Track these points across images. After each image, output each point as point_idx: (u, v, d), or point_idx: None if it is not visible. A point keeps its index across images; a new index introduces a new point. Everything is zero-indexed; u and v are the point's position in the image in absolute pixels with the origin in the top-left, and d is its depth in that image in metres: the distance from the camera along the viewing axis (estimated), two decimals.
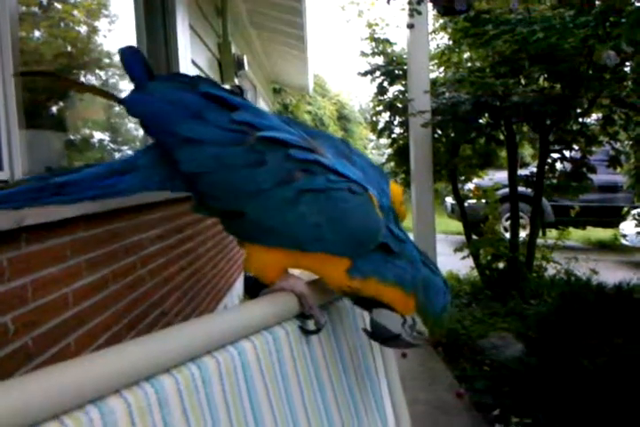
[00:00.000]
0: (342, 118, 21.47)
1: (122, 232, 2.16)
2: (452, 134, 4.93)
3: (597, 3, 3.64)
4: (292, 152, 0.86)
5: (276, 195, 0.85)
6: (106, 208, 1.95)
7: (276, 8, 5.98)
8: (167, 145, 0.85)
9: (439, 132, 5.16)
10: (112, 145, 3.22)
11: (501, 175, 5.76)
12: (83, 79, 2.84)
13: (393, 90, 5.68)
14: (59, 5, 2.59)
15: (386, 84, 5.61)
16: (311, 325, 0.91)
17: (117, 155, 3.18)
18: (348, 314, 1.05)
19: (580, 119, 4.53)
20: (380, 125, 5.84)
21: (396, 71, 5.51)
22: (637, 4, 2.94)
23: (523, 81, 4.06)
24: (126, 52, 0.87)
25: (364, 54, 5.79)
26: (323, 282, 0.94)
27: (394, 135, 5.75)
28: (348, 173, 0.88)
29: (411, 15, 3.84)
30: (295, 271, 0.95)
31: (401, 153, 5.60)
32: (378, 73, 5.58)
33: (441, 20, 4.96)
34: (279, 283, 0.91)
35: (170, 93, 0.86)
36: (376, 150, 23.10)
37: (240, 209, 0.87)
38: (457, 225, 5.85)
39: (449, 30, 4.89)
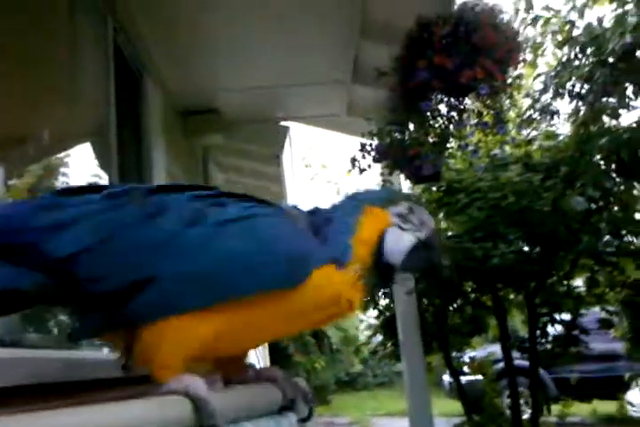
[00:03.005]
0: None
1: None
2: (438, 301, 4.84)
3: (562, 168, 3.82)
4: (195, 193, 0.77)
5: (190, 237, 0.73)
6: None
7: (256, 190, 6.26)
8: (25, 244, 0.72)
9: (425, 301, 5.08)
10: None
11: (495, 348, 5.59)
12: None
13: None
14: None
15: None
16: None
17: None
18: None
19: (565, 281, 4.50)
20: (365, 298, 5.75)
21: None
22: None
23: (501, 245, 4.09)
24: None
25: None
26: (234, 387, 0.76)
27: (379, 307, 5.64)
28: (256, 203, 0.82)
29: (384, 186, 3.97)
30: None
31: (388, 325, 5.44)
32: None
33: (415, 193, 5.15)
34: (170, 384, 0.72)
35: (10, 204, 0.80)
36: (368, 331, 22.66)
37: (146, 276, 0.71)
38: (458, 406, 5.48)
39: (423, 201, 5.05)
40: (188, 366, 0.75)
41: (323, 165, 10.54)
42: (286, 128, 5.69)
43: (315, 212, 0.92)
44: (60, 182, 3.44)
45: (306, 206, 0.94)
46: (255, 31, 3.92)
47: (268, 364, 8.57)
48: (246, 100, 5.02)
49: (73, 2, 2.87)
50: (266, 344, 7.62)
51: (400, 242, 0.92)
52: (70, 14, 2.82)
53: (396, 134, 3.45)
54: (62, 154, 3.36)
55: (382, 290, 5.56)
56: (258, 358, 7.26)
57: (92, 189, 0.81)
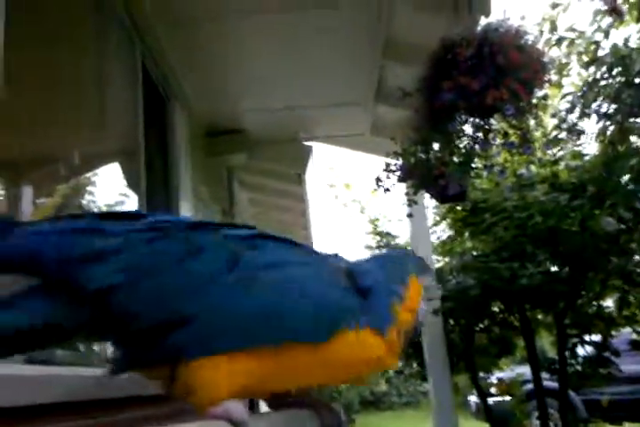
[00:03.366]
0: None
1: None
2: (464, 321, 4.79)
3: (589, 188, 3.78)
4: (229, 232, 0.76)
5: (227, 281, 0.72)
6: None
7: (279, 209, 6.30)
8: (61, 274, 0.70)
9: (451, 322, 5.03)
10: None
11: (523, 370, 5.50)
12: None
13: None
14: None
15: None
16: None
17: None
18: None
19: (595, 302, 4.42)
20: None
21: None
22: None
23: (528, 265, 4.04)
24: None
25: (368, 247, 5.91)
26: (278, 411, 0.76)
27: None
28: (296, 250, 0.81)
29: (409, 205, 3.95)
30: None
31: (414, 345, 5.38)
32: None
33: (441, 212, 5.14)
34: (213, 409, 0.72)
35: (50, 227, 0.74)
36: None
37: (179, 317, 0.71)
38: None
39: (448, 221, 5.03)
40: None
41: (346, 185, 10.57)
42: (310, 148, 5.72)
43: (358, 265, 0.91)
44: (87, 201, 3.50)
45: (346, 254, 0.95)
46: (279, 53, 3.98)
47: None
48: (270, 121, 5.07)
49: (104, 28, 2.94)
50: None
51: (422, 313, 0.97)
52: (101, 40, 2.89)
53: (421, 154, 3.45)
54: (90, 174, 3.42)
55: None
56: None
57: (133, 215, 0.80)
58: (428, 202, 4.72)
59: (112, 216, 0.79)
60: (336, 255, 0.91)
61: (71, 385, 1.68)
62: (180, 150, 3.80)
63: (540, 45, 3.09)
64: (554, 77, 3.63)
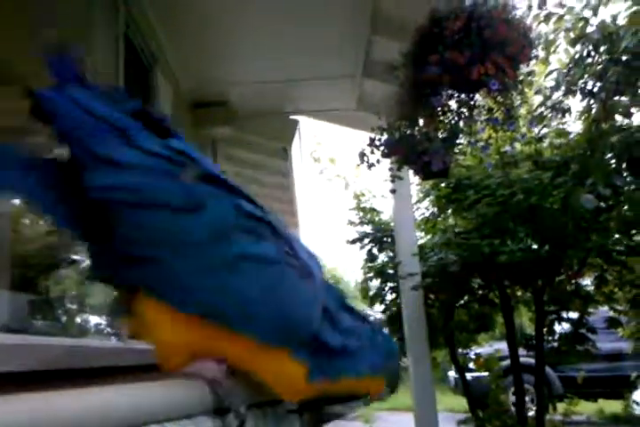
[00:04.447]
0: None
1: None
2: (444, 297, 4.83)
3: (573, 166, 3.79)
4: (240, 202, 0.72)
5: (208, 252, 0.69)
6: None
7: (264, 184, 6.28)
8: (77, 160, 0.68)
9: (431, 296, 5.07)
10: None
11: (501, 346, 5.58)
12: None
13: (382, 257, 5.70)
14: None
15: (375, 250, 5.65)
16: (232, 422, 0.71)
17: None
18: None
19: (574, 280, 4.47)
20: (372, 292, 5.76)
21: (385, 238, 5.58)
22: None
23: (509, 242, 4.07)
24: (59, 54, 0.73)
25: (351, 223, 5.90)
26: (247, 375, 0.76)
27: (386, 302, 5.64)
28: (299, 251, 0.76)
29: (392, 181, 3.95)
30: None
31: (394, 320, 5.44)
32: (366, 240, 5.64)
33: (424, 189, 5.14)
34: (186, 369, 0.72)
35: (93, 104, 0.70)
36: None
37: (155, 257, 0.69)
38: (463, 402, 5.48)
39: (431, 198, 5.04)
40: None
41: (331, 160, 10.54)
42: (295, 122, 5.69)
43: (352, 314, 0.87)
44: None
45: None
46: (266, 26, 3.92)
47: None
48: (256, 94, 5.02)
49: None
50: None
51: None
52: (83, 5, 2.82)
53: (406, 130, 3.44)
54: None
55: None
56: None
57: (163, 130, 0.76)
58: (412, 179, 4.72)
59: (149, 121, 0.76)
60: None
61: (47, 354, 1.67)
62: None
63: (527, 21, 3.06)
64: (541, 54, 3.62)
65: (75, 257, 3.79)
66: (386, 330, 5.72)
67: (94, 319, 3.34)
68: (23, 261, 3.35)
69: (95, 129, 0.69)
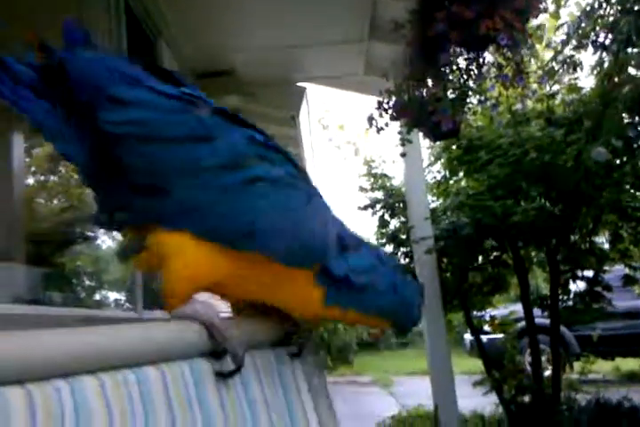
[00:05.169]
0: None
1: None
2: (457, 260, 4.83)
3: (586, 122, 3.73)
4: (254, 134, 0.75)
5: (218, 178, 0.72)
6: None
7: None
8: (92, 106, 0.71)
9: (445, 260, 5.07)
10: None
11: (517, 308, 5.58)
12: None
13: (394, 222, 5.69)
14: None
15: (387, 216, 5.64)
16: (228, 363, 0.71)
17: None
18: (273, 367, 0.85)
19: (588, 238, 4.44)
20: None
21: (396, 204, 5.56)
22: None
23: (522, 202, 4.04)
24: (70, 22, 0.75)
25: (362, 189, 5.88)
26: (248, 317, 0.77)
27: None
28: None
29: (402, 144, 3.92)
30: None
31: None
32: (378, 206, 5.63)
33: (435, 152, 5.10)
34: (181, 309, 0.72)
35: (107, 60, 0.74)
36: None
37: (170, 186, 0.71)
38: (479, 364, 5.53)
39: (443, 160, 5.00)
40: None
41: (340, 126, 10.48)
42: (303, 89, 5.62)
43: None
44: None
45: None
46: None
47: None
48: (261, 61, 4.96)
49: None
50: None
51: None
52: None
53: (414, 91, 3.39)
54: None
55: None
56: None
57: (173, 79, 0.78)
58: (423, 142, 4.67)
59: (163, 74, 0.78)
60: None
61: (60, 324, 1.70)
62: None
63: None
64: (550, 7, 3.53)
65: (88, 233, 3.83)
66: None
67: (108, 293, 3.38)
68: (38, 237, 3.39)
69: (109, 79, 0.72)
